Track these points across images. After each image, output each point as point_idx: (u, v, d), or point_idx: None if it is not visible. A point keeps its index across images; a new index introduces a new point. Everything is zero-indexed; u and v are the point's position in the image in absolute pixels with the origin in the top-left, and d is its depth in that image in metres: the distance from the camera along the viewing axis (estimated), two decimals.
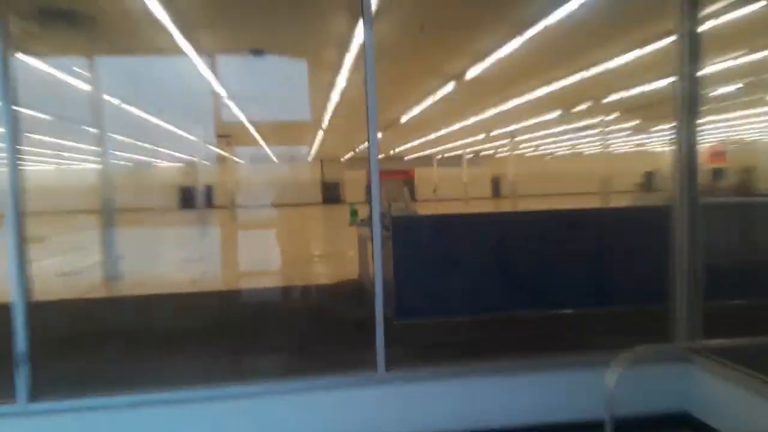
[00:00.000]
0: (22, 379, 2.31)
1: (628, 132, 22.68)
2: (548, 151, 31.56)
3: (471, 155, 28.68)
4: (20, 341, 2.34)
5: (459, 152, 27.25)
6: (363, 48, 2.40)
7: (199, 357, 2.75)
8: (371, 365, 2.21)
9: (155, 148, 21.32)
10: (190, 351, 2.87)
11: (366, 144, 2.51)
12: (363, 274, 5.64)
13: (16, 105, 2.39)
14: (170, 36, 6.65)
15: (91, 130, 11.14)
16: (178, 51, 7.02)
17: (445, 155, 28.99)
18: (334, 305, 2.93)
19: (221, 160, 20.47)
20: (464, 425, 2.33)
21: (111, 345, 3.27)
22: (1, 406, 2.32)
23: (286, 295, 4.69)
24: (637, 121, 18.40)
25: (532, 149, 29.65)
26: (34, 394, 2.35)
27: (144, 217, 20.74)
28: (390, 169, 32.93)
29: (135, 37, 7.09)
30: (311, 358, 2.78)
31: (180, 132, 15.33)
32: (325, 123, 14.84)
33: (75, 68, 8.14)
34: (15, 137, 2.33)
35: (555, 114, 16.11)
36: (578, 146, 29.69)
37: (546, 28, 7.34)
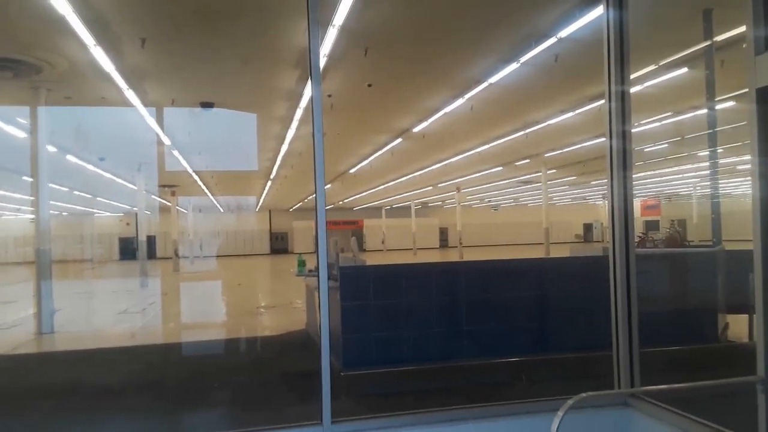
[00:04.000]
0: None
1: (568, 186, 23.75)
2: (493, 202, 32.55)
3: (419, 206, 29.18)
4: None
5: (407, 203, 27.70)
6: (311, 102, 2.48)
7: (134, 415, 2.62)
8: (317, 418, 2.17)
9: (95, 197, 20.66)
10: (125, 408, 2.72)
11: (313, 195, 2.56)
12: (310, 324, 5.57)
13: None
14: (117, 87, 6.60)
15: (27, 179, 10.75)
16: (124, 102, 6.97)
17: (394, 206, 29.38)
18: (279, 357, 2.86)
19: (165, 210, 19.96)
20: None
21: (39, 402, 3.08)
22: None
23: (230, 348, 4.55)
24: (575, 176, 19.32)
25: (477, 201, 30.50)
26: None
27: (82, 268, 19.80)
28: (338, 219, 33.02)
29: (80, 87, 7.00)
30: (255, 412, 2.70)
31: (122, 182, 14.94)
32: (274, 173, 14.86)
33: (16, 117, 7.92)
34: None
35: (498, 168, 16.75)
36: (521, 198, 30.78)
37: (489, 86, 7.76)
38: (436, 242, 31.92)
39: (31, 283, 7.60)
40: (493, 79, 7.34)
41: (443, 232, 32.54)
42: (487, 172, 17.17)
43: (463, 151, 13.23)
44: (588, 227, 32.00)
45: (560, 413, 1.77)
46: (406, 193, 23.92)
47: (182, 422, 2.62)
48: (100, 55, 5.53)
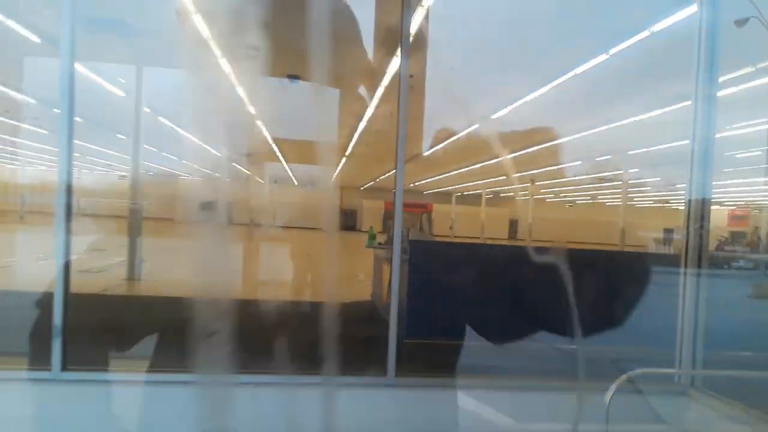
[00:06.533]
0: (56, 351, 2.58)
1: (650, 187, 22.70)
2: (568, 198, 31.61)
3: (490, 195, 28.83)
4: (57, 318, 2.63)
5: (478, 191, 27.42)
6: (394, 81, 2.58)
7: (235, 351, 2.83)
8: (383, 371, 2.43)
9: (181, 160, 21.77)
10: (226, 345, 2.92)
11: (385, 175, 2.69)
12: (375, 294, 5.75)
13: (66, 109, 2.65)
14: (214, 56, 6.94)
15: (121, 137, 11.49)
16: (218, 71, 7.32)
17: (464, 193, 29.17)
18: (344, 322, 3.02)
19: (243, 177, 20.72)
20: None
21: (140, 334, 3.42)
22: (39, 372, 2.56)
23: (299, 311, 4.78)
24: (658, 178, 18.47)
25: (552, 195, 29.73)
26: (66, 365, 2.67)
27: (165, 225, 20.97)
28: (408, 201, 32.96)
29: (179, 53, 7.40)
30: (324, 366, 2.89)
31: (207, 147, 15.66)
32: (348, 150, 15.15)
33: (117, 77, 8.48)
34: (71, 141, 2.59)
35: (577, 162, 16.26)
36: (599, 196, 29.72)
37: (574, 77, 7.56)
38: (504, 233, 31.46)
39: (120, 236, 8.23)
40: (579, 70, 7.15)
41: (513, 224, 31.99)
42: (564, 165, 16.73)
43: (541, 142, 12.95)
44: (669, 231, 30.50)
45: (613, 387, 1.86)
46: (478, 181, 23.68)
47: (259, 363, 2.86)
48: (201, 25, 5.88)
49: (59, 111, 2.71)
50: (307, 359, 2.77)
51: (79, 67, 2.84)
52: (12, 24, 6.03)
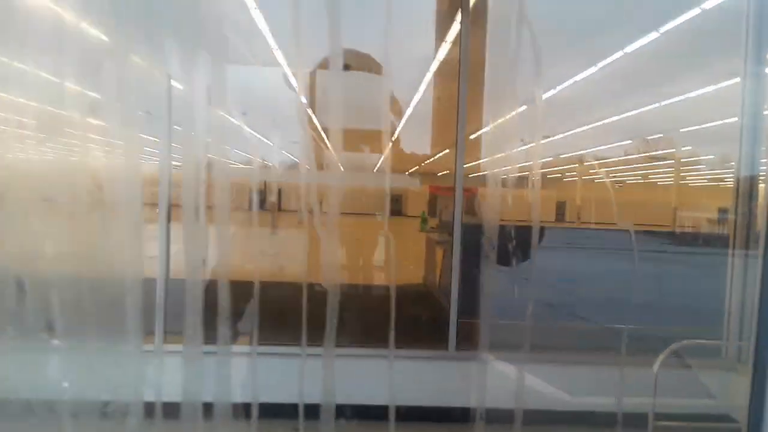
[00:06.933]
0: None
1: (704, 165, 21.91)
2: (618, 178, 30.84)
3: (536, 177, 28.42)
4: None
5: (524, 173, 27.10)
6: (440, 67, 2.73)
7: (313, 331, 3.00)
8: (444, 345, 2.66)
9: (234, 150, 22.41)
10: (301, 326, 3.09)
11: (430, 159, 2.86)
12: (428, 277, 5.97)
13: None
14: (268, 47, 7.26)
15: (176, 128, 11.92)
16: (271, 62, 7.64)
17: (510, 175, 28.88)
18: (399, 304, 3.21)
19: (292, 165, 21.18)
20: (516, 404, 2.66)
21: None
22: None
23: (356, 293, 5.02)
24: (712, 156, 17.84)
25: (601, 176, 29.08)
26: None
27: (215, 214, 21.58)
28: (453, 186, 32.91)
29: (235, 46, 7.74)
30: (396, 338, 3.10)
31: (258, 135, 16.14)
32: (395, 136, 15.30)
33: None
34: (170, 134, 2.84)
35: (627, 141, 15.91)
36: (651, 176, 28.88)
37: (624, 56, 7.49)
38: (552, 215, 31.01)
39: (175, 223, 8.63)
40: (629, 49, 7.08)
41: (560, 206, 31.47)
42: (613, 145, 16.38)
43: (590, 122, 12.77)
44: (724, 212, 29.39)
45: (660, 357, 1.98)
46: (524, 163, 23.38)
47: (334, 338, 3.05)
48: (258, 18, 6.16)
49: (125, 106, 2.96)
50: (372, 335, 3.01)
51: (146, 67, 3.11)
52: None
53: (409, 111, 10.70)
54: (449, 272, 3.49)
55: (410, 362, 2.62)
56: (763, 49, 2.77)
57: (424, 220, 6.21)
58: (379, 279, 6.73)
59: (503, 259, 3.73)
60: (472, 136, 15.10)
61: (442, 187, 10.13)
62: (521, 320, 3.50)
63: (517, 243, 3.81)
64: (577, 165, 22.39)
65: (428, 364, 2.63)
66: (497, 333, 3.32)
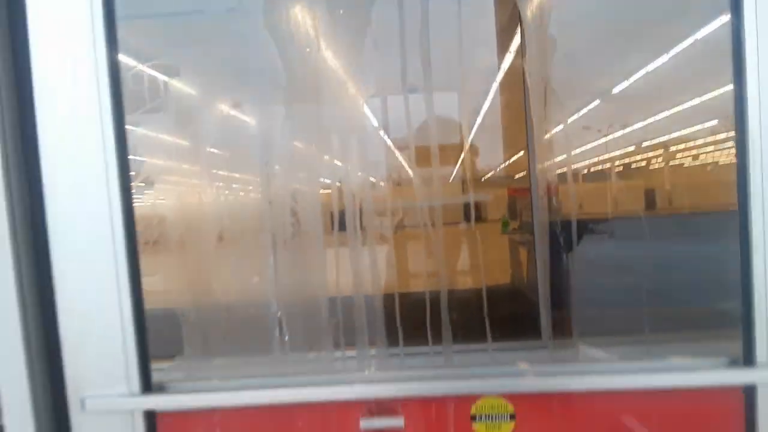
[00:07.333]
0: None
1: None
2: (709, 160, 29.12)
3: (619, 168, 27.37)
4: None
5: (606, 165, 26.20)
6: (507, 76, 2.91)
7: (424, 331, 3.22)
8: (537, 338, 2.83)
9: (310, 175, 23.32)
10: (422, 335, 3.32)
11: (506, 163, 3.05)
12: (515, 276, 6.15)
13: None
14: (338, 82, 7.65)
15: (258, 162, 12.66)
16: (347, 96, 8.06)
17: (591, 170, 28.02)
18: (494, 304, 3.38)
19: (369, 184, 21.70)
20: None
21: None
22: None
23: (459, 295, 5.19)
24: None
25: (690, 158, 27.59)
26: None
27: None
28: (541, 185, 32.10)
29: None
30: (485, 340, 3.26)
31: (336, 162, 16.76)
32: (467, 146, 15.38)
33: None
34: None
35: (713, 122, 15.11)
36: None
37: (694, 42, 7.29)
38: (641, 205, 29.71)
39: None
40: (699, 35, 6.90)
41: (649, 195, 30.10)
42: (699, 127, 15.62)
43: (670, 108, 12.29)
44: None
45: None
46: (604, 155, 22.64)
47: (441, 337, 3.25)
48: (330, 58, 6.58)
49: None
50: (472, 332, 3.21)
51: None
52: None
53: (479, 119, 10.84)
54: (534, 269, 3.64)
55: (508, 354, 2.78)
56: None
57: (504, 224, 6.43)
58: (470, 282, 6.94)
59: (589, 250, 3.80)
60: (547, 136, 14.89)
61: (519, 189, 10.15)
62: (610, 310, 3.57)
63: (598, 235, 3.87)
64: (662, 151, 21.45)
65: (524, 354, 2.78)
66: (591, 322, 3.40)
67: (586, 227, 4.53)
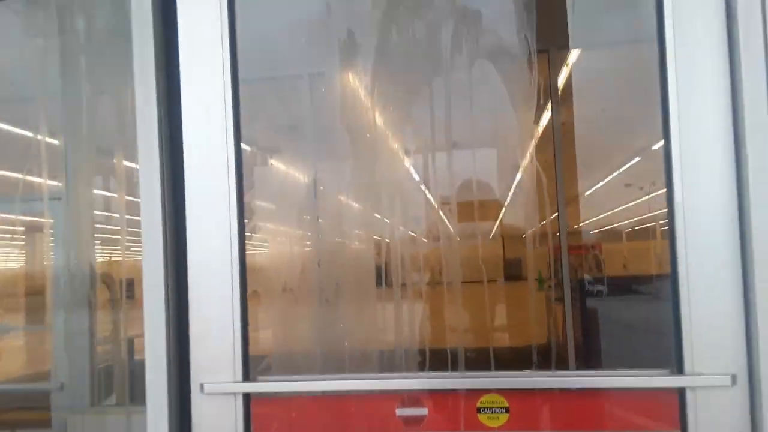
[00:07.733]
0: None
1: None
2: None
3: (665, 227, 26.65)
4: None
5: (651, 224, 25.54)
6: (545, 131, 3.00)
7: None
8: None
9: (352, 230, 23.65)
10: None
11: (548, 219, 3.07)
12: (551, 332, 6.10)
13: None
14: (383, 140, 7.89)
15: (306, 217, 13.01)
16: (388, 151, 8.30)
17: (636, 228, 27.35)
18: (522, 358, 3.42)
19: (409, 239, 21.77)
20: None
21: None
22: None
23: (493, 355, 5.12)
24: None
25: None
26: None
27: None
28: (574, 244, 31.55)
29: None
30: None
31: (376, 215, 16.94)
32: (507, 201, 15.38)
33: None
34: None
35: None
36: None
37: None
38: None
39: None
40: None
41: None
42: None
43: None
44: None
45: None
46: (650, 214, 22.14)
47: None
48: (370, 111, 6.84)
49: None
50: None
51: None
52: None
53: (518, 176, 10.91)
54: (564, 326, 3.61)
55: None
56: None
57: (540, 281, 6.48)
58: (505, 339, 6.94)
59: (623, 311, 3.72)
60: (587, 193, 14.81)
61: (556, 247, 10.10)
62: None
63: (643, 295, 3.78)
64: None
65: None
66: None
67: (629, 287, 4.48)
